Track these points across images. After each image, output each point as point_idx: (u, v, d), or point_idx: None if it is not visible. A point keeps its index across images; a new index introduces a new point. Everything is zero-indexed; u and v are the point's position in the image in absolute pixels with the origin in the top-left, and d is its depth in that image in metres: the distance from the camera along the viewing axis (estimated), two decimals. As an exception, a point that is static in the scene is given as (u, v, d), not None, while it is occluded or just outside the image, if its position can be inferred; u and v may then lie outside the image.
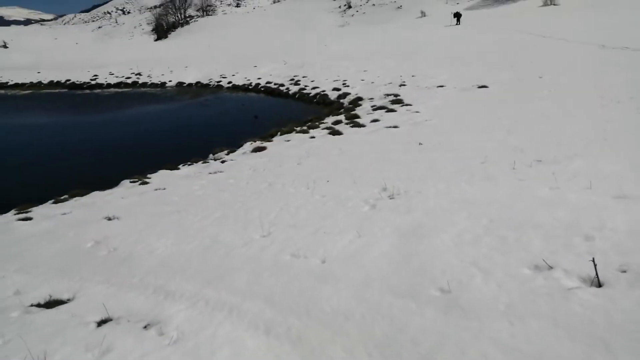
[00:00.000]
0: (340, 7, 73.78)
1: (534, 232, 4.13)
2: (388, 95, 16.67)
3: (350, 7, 71.90)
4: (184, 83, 29.57)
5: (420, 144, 9.11)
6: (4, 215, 8.52)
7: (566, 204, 4.68)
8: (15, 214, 8.44)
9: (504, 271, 3.59)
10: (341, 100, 18.38)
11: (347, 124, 13.52)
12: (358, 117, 14.23)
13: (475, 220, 4.63)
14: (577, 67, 15.43)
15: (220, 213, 6.19)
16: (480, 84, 15.42)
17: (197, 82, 29.09)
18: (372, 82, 19.55)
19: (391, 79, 19.16)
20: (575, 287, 3.22)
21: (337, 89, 20.10)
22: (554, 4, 39.26)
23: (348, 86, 20.17)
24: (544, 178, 5.66)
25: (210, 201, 6.92)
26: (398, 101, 15.31)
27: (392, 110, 14.19)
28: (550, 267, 3.50)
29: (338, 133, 12.24)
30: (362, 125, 12.82)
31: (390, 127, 11.73)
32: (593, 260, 3.25)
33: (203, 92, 26.55)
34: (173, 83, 29.95)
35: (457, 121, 11.19)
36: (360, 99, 17.44)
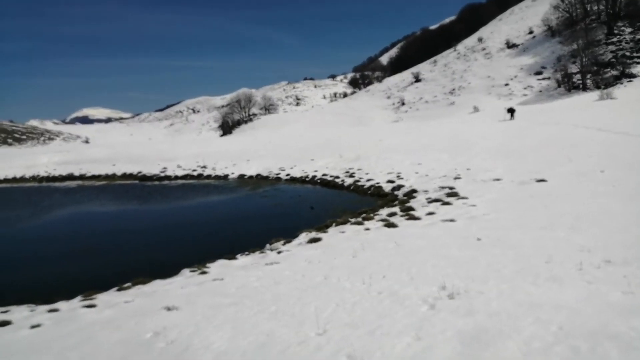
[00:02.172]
0: (394, 104, 76.68)
1: (609, 343, 3.84)
2: (443, 187, 16.65)
3: (403, 103, 74.58)
4: (245, 175, 30.94)
5: (478, 239, 8.90)
6: (70, 301, 8.90)
7: (643, 311, 4.36)
8: (80, 301, 8.80)
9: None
10: (395, 192, 18.50)
11: (402, 216, 13.50)
12: (413, 209, 14.20)
13: (544, 326, 4.38)
14: (642, 161, 14.91)
15: (275, 307, 6.20)
16: (539, 178, 15.14)
17: (258, 175, 30.35)
18: (427, 175, 19.66)
19: (446, 172, 19.21)
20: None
21: (391, 181, 20.33)
22: (611, 98, 38.91)
23: (402, 178, 20.37)
24: (615, 281, 5.34)
25: (266, 294, 6.96)
26: (453, 194, 15.22)
27: (448, 203, 14.09)
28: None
29: (393, 225, 12.22)
30: (417, 218, 12.75)
31: (446, 220, 11.60)
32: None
33: (262, 184, 27.59)
34: (235, 175, 31.40)
35: (515, 216, 10.91)
36: (414, 191, 17.50)
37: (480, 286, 5.95)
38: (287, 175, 28.63)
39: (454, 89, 71.12)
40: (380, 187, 20.11)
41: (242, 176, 30.99)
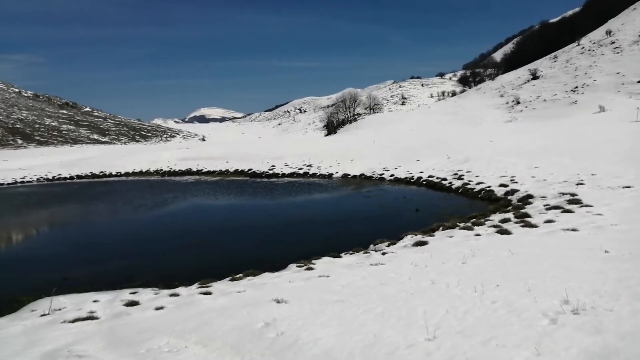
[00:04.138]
0: (507, 102, 72.48)
1: None
2: (563, 194, 15.39)
3: (518, 102, 70.19)
4: (349, 175, 31.22)
5: (606, 252, 8.08)
6: (189, 287, 9.61)
7: None
8: (198, 287, 9.47)
9: None
10: (509, 197, 17.47)
11: (516, 222, 12.72)
12: (529, 216, 13.31)
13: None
14: None
15: (382, 308, 6.14)
16: (682, 187, 13.38)
17: (361, 174, 30.46)
18: (544, 180, 18.31)
19: (566, 177, 17.74)
20: None
21: (504, 185, 19.23)
22: None
23: (517, 182, 19.18)
24: None
25: (372, 294, 6.93)
26: (575, 201, 14.00)
27: (569, 211, 12.99)
28: None
29: (506, 232, 11.55)
30: (534, 226, 11.92)
31: (567, 229, 10.70)
32: None
33: (366, 184, 27.62)
34: (339, 175, 31.82)
35: (653, 228, 9.73)
36: (530, 196, 16.38)
37: (609, 303, 5.38)
38: (391, 175, 28.37)
39: (576, 87, 65.39)
40: (491, 191, 19.12)
41: (345, 175, 31.30)
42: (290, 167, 36.30)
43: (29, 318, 7.98)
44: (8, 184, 39.52)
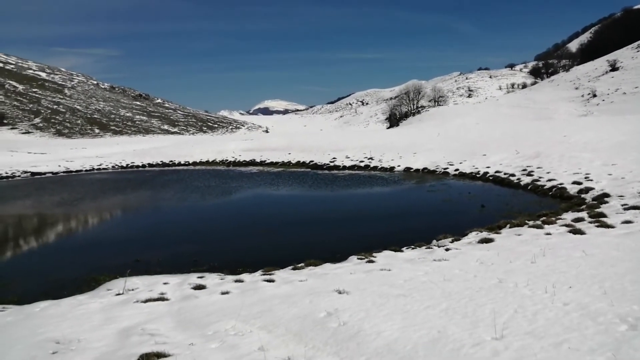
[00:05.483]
0: (583, 95, 68.42)
1: None
2: (646, 194, 14.35)
3: (595, 95, 66.05)
4: (411, 168, 30.74)
5: (695, 256, 7.45)
6: (252, 274, 9.88)
7: None
8: (261, 275, 9.71)
9: None
10: (582, 196, 16.56)
11: (590, 222, 12.02)
12: (604, 215, 12.54)
13: None
14: None
15: (446, 304, 6.02)
16: None
17: (424, 168, 29.90)
18: (623, 178, 17.16)
19: (650, 176, 16.50)
20: None
21: (578, 183, 18.22)
22: None
23: (591, 180, 18.12)
24: None
25: (436, 290, 6.81)
26: (659, 202, 13.02)
27: (651, 212, 12.10)
28: None
29: (579, 232, 10.94)
30: (610, 226, 11.21)
31: (648, 231, 9.96)
32: None
33: (429, 178, 27.09)
34: (401, 168, 31.41)
35: None
36: (606, 195, 15.43)
37: (700, 313, 4.97)
38: (456, 170, 27.64)
39: (661, 79, 60.59)
40: (563, 189, 18.17)
41: (408, 169, 30.85)
42: (351, 160, 36.27)
43: (105, 296, 8.52)
44: (86, 170, 42.26)
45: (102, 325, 6.52)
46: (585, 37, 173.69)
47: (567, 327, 4.85)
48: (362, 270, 9.12)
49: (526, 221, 12.96)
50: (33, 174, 38.90)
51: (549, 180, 20.09)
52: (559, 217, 13.36)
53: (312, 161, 38.15)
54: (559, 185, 18.78)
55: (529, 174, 22.19)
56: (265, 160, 42.08)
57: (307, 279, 8.69)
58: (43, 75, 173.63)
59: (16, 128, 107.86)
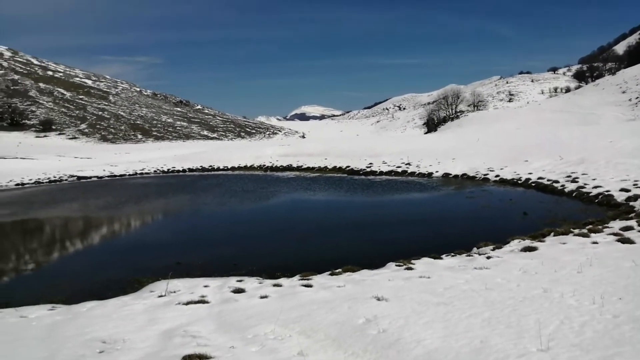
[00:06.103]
0: (630, 100, 65.73)
1: None
2: (702, 202, 13.63)
3: (644, 98, 63.24)
4: (450, 174, 30.24)
5: None
6: (291, 279, 9.93)
7: None
8: (299, 280, 9.75)
9: None
10: (631, 203, 15.89)
11: (639, 231, 11.50)
12: (656, 225, 11.97)
13: None
14: None
15: (489, 314, 5.88)
16: None
17: (463, 174, 29.37)
18: (677, 185, 16.35)
19: None
20: None
21: (626, 190, 17.49)
22: None
23: (641, 188, 17.35)
24: None
25: (477, 299, 6.67)
26: None
27: None
28: None
29: (628, 241, 10.49)
30: (663, 236, 10.69)
31: None
32: None
33: (468, 184, 26.59)
34: (439, 174, 30.95)
35: None
36: (659, 203, 14.74)
37: None
38: (496, 176, 27.02)
39: None
40: (610, 196, 17.48)
41: (446, 175, 30.37)
42: (388, 165, 36.02)
43: (148, 298, 8.75)
44: (129, 175, 43.64)
45: (146, 326, 6.70)
46: (633, 39, 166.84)
47: (618, 341, 4.65)
48: (400, 277, 9.03)
49: (571, 229, 12.51)
50: (79, 178, 40.53)
51: (595, 187, 19.37)
52: (606, 225, 12.85)
53: (348, 166, 38.10)
54: (606, 193, 18.07)
55: (574, 181, 21.46)
56: (301, 166, 42.31)
57: (345, 284, 8.67)
58: (89, 82, 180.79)
59: (63, 134, 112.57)
